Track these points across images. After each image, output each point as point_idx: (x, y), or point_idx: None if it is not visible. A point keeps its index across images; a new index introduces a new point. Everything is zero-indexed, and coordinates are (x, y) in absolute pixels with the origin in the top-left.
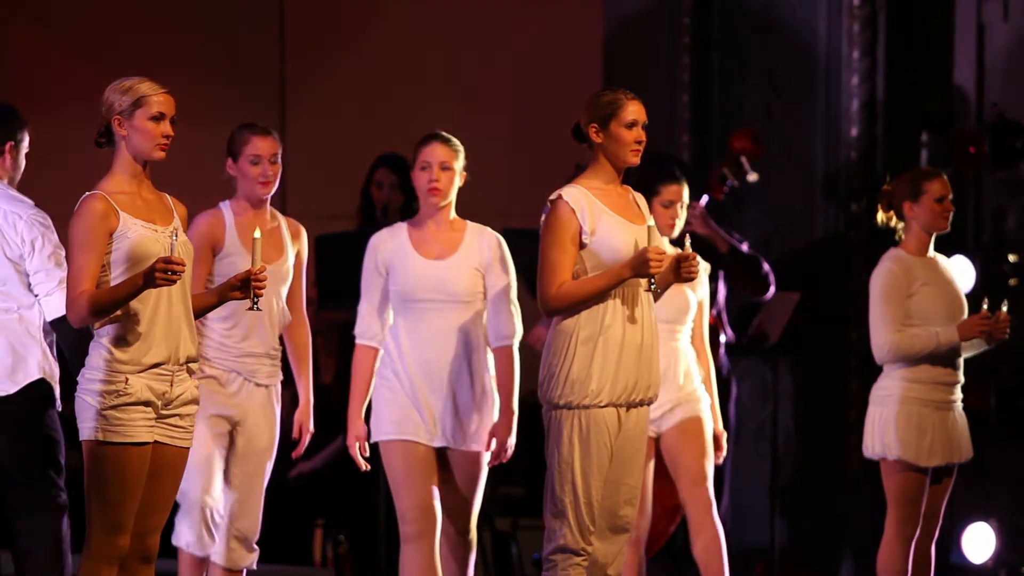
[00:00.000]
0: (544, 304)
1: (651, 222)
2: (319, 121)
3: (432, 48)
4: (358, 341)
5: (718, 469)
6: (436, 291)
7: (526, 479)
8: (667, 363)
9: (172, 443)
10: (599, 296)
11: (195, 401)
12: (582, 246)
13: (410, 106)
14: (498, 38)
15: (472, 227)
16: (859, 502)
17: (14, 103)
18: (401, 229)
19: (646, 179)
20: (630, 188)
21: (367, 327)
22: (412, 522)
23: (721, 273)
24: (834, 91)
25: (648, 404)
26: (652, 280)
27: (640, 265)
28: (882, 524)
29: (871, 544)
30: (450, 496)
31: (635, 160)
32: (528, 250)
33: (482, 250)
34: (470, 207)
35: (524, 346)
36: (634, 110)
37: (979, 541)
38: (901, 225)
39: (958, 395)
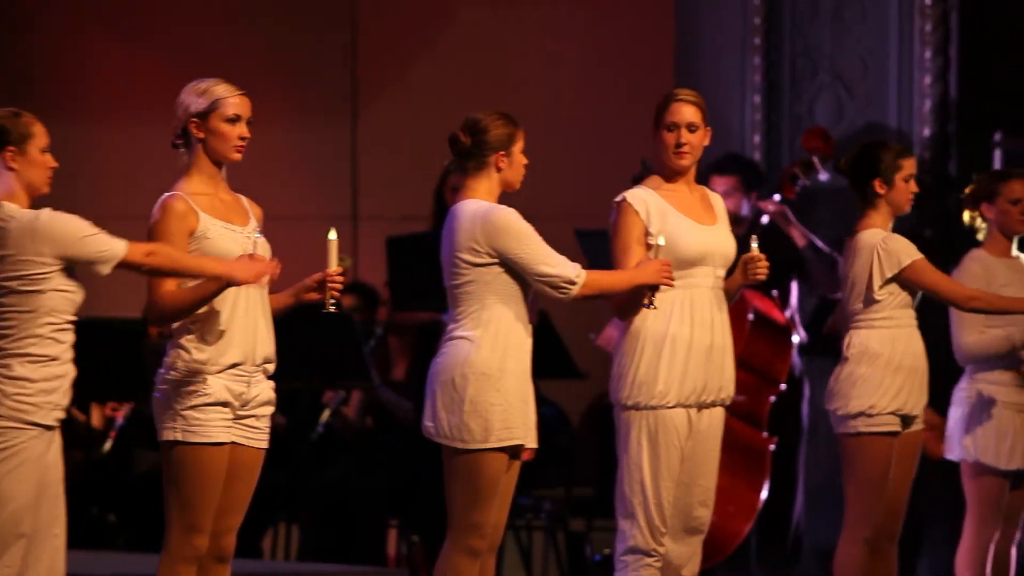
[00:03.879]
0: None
1: (662, 241)
2: (390, 123)
3: (503, 48)
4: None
5: (792, 469)
6: None
7: (599, 480)
8: None
9: (249, 444)
10: (632, 292)
11: (271, 402)
12: (649, 247)
13: (481, 107)
14: (569, 39)
15: None
16: (937, 504)
17: (90, 108)
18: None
19: (887, 156)
20: (705, 188)
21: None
22: (487, 537)
23: (794, 274)
24: (906, 91)
25: (722, 405)
26: (653, 295)
27: (650, 274)
28: (961, 526)
29: (950, 546)
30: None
31: (680, 162)
32: (598, 250)
33: None
34: (541, 207)
35: (595, 348)
36: (675, 111)
37: None
38: (984, 225)
39: None
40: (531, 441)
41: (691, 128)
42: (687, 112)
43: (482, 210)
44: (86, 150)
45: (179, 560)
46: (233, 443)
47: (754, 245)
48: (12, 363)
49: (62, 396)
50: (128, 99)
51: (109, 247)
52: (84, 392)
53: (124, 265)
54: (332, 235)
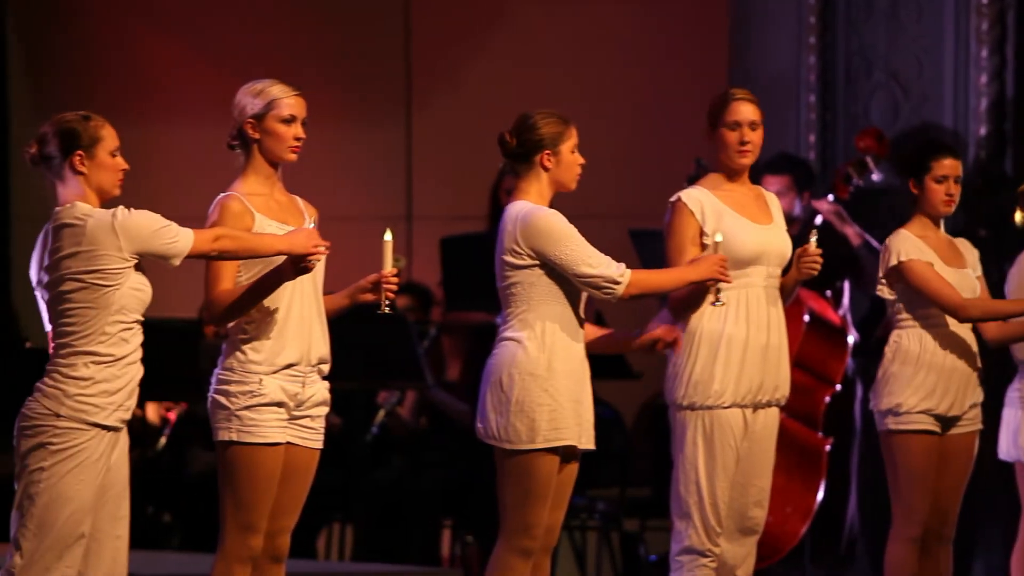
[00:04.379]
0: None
1: (719, 238)
2: (444, 123)
3: (557, 48)
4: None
5: (845, 470)
6: None
7: (653, 480)
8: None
9: (304, 444)
10: (691, 292)
11: (326, 403)
12: (704, 247)
13: (534, 106)
14: (623, 38)
15: None
16: (992, 505)
17: (148, 109)
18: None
19: (916, 157)
20: (760, 188)
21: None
22: (538, 537)
23: (847, 274)
24: (962, 90)
25: (777, 405)
26: (719, 291)
27: (704, 269)
28: (1016, 528)
29: (1005, 548)
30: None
31: (742, 160)
32: (652, 250)
33: None
34: (593, 207)
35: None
36: (736, 110)
37: None
38: None
39: None
40: (586, 442)
41: (753, 126)
42: (749, 110)
43: (523, 212)
44: (146, 152)
45: (234, 560)
46: (288, 443)
47: (813, 239)
48: (77, 362)
49: (126, 397)
50: (186, 101)
51: (180, 237)
52: (141, 390)
53: (194, 254)
54: (387, 236)
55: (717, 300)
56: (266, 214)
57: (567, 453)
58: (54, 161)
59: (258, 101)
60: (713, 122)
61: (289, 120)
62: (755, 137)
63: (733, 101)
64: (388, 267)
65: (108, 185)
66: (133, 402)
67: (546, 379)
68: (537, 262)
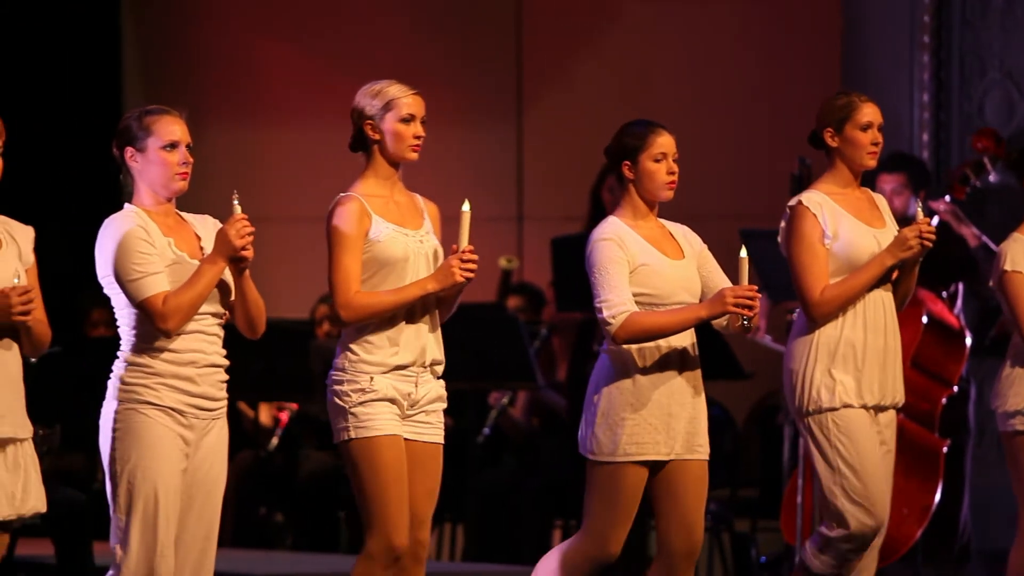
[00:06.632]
0: (812, 311)
1: (743, 253)
2: (555, 122)
3: (667, 50)
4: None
5: (959, 471)
6: (688, 293)
7: (762, 482)
8: None
9: (422, 439)
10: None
11: (441, 399)
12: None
13: (645, 108)
14: (735, 38)
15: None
16: None
17: (259, 110)
18: (623, 225)
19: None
20: (869, 190)
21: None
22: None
23: (964, 275)
24: None
25: (895, 408)
26: (747, 320)
27: (899, 247)
28: None
29: None
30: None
31: (871, 163)
32: (763, 251)
33: (694, 245)
34: (699, 208)
35: (758, 347)
36: (869, 112)
37: None
38: None
39: None
40: (682, 452)
41: (880, 129)
42: (878, 113)
43: (593, 233)
44: (259, 152)
45: (377, 559)
46: (405, 439)
47: (919, 210)
48: (123, 352)
49: (186, 383)
50: (299, 101)
51: (142, 285)
52: (253, 391)
53: (147, 308)
54: (465, 207)
55: (742, 325)
56: (384, 216)
57: (656, 466)
58: (119, 161)
59: (376, 102)
60: (839, 124)
61: (408, 119)
62: (881, 140)
63: (866, 103)
64: (465, 241)
65: (161, 180)
66: (204, 391)
67: (632, 392)
68: None
